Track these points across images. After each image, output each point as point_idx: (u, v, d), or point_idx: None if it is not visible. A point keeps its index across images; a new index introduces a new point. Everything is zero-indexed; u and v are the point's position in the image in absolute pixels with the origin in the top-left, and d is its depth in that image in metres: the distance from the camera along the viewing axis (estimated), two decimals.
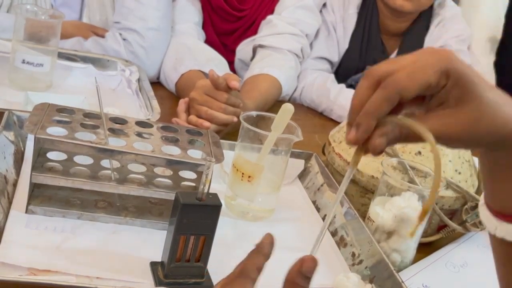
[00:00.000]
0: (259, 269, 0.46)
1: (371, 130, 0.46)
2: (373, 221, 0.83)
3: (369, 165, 0.90)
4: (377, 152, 0.47)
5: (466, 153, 0.93)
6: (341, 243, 0.84)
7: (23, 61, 1.09)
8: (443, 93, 0.46)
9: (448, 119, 0.46)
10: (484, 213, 0.52)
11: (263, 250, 0.47)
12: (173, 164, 0.78)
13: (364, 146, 0.47)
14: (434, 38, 1.54)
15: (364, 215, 0.86)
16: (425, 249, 0.89)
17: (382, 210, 0.83)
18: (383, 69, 0.46)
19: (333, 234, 0.86)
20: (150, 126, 0.84)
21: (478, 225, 0.90)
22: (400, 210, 0.81)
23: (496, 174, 0.50)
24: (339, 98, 1.39)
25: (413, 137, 0.46)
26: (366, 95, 0.46)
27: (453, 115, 0.46)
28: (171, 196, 0.74)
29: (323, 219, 0.90)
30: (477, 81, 0.46)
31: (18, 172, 0.83)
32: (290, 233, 0.86)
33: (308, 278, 0.46)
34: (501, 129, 0.46)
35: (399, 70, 0.45)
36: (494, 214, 0.51)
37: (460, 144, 0.48)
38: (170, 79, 1.29)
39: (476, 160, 0.96)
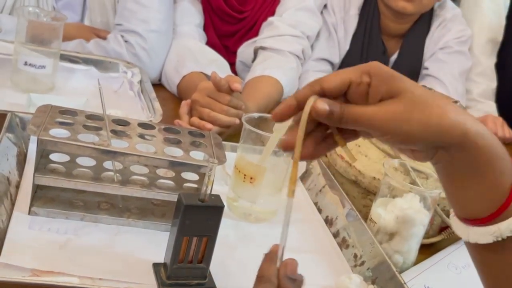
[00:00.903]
0: (276, 276, 0.50)
1: (289, 106, 0.51)
2: (375, 222, 0.83)
3: (371, 166, 0.91)
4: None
5: None
6: (343, 244, 0.84)
7: (26, 63, 1.09)
8: (374, 90, 0.49)
9: (380, 108, 0.48)
10: (455, 223, 0.53)
11: (274, 259, 0.51)
12: (176, 166, 0.78)
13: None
14: (435, 39, 1.55)
15: (366, 216, 0.87)
16: (427, 250, 0.89)
17: (384, 212, 0.83)
18: None
19: (335, 235, 0.86)
20: (153, 127, 0.84)
21: None
22: (402, 212, 0.81)
23: (451, 183, 0.51)
24: None
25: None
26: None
27: (386, 105, 0.48)
28: (173, 197, 0.74)
29: (325, 220, 0.90)
30: (403, 77, 0.49)
31: (20, 174, 0.83)
32: (292, 234, 0.85)
33: (293, 280, 0.50)
34: (433, 124, 0.47)
35: None
36: (462, 221, 0.52)
37: (393, 136, 0.49)
38: (172, 81, 1.30)
39: None
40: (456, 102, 0.94)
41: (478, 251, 0.52)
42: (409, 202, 0.82)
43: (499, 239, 0.49)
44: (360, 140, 0.93)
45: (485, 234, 0.50)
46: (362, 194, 0.92)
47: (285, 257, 0.50)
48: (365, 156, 0.92)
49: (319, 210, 0.93)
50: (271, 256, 0.51)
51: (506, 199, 0.49)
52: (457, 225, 0.53)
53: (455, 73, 1.52)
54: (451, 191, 0.52)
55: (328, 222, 0.89)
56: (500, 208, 0.49)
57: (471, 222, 0.51)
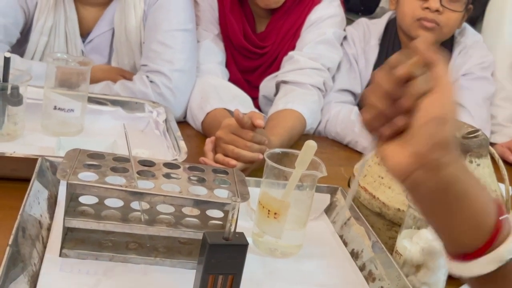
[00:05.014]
0: None
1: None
2: (400, 254, 0.83)
3: (395, 198, 0.91)
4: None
5: (492, 183, 0.93)
6: (370, 277, 0.84)
7: (55, 108, 1.13)
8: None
9: (397, 147, 0.52)
10: (453, 266, 0.56)
11: None
12: (200, 204, 0.79)
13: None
14: (457, 66, 1.55)
15: (392, 248, 0.86)
16: (456, 281, 0.88)
17: (409, 243, 0.83)
18: None
19: (361, 268, 0.86)
20: (178, 167, 0.86)
21: None
22: (427, 243, 0.81)
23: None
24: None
25: None
26: None
27: (401, 145, 0.52)
28: (199, 235, 0.75)
29: (351, 253, 0.90)
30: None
31: (51, 216, 0.85)
32: (318, 268, 0.86)
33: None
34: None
35: None
36: (459, 259, 0.54)
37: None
38: (197, 118, 1.32)
39: (503, 188, 0.95)
40: (477, 130, 0.94)
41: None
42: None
43: (502, 263, 0.51)
44: (383, 172, 0.94)
45: (487, 264, 0.51)
46: (387, 226, 0.92)
47: None
48: (388, 187, 0.92)
49: (345, 243, 0.93)
50: None
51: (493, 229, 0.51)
52: (456, 266, 0.55)
53: (479, 99, 1.52)
54: (437, 223, 0.55)
55: (354, 255, 0.89)
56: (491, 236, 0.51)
57: (457, 258, 0.53)
